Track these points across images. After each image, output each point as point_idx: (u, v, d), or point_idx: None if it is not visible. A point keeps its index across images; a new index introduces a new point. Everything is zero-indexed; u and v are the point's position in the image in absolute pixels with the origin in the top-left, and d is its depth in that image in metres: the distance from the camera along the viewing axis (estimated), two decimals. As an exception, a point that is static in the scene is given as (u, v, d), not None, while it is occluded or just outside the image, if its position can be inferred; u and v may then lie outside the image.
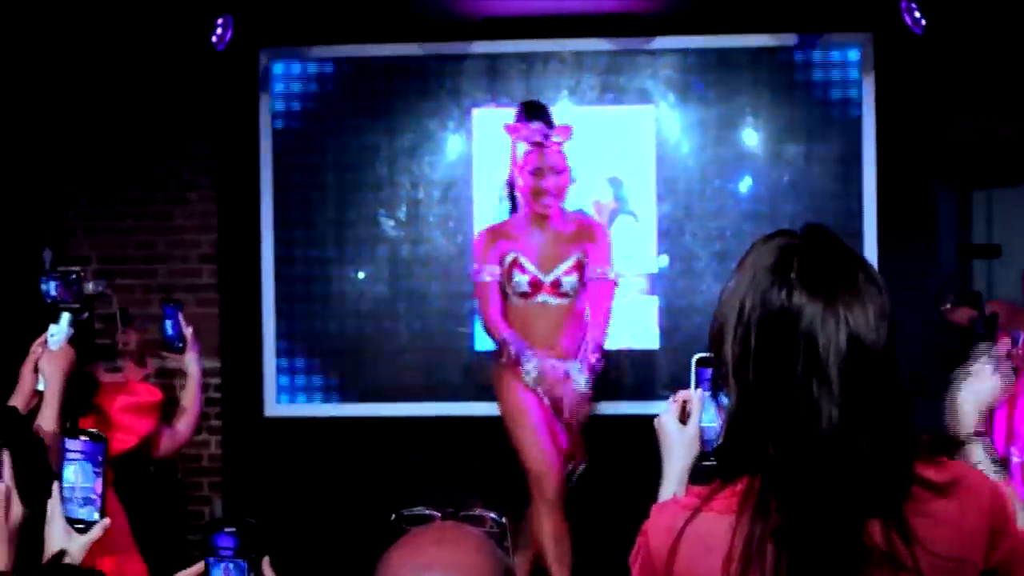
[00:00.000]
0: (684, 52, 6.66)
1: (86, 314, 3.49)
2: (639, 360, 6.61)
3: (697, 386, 2.22)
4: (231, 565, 1.99)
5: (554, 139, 5.25)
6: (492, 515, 1.92)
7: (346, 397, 6.80)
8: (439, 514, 1.88)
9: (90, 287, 3.52)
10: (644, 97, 6.68)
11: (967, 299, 6.10)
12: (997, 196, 7.35)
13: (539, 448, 5.22)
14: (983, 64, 6.63)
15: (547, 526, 5.18)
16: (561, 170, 5.26)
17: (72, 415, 3.47)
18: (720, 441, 1.94)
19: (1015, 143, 6.93)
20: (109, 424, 3.54)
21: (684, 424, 2.21)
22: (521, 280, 5.34)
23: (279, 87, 6.80)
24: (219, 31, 5.98)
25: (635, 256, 6.56)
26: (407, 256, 6.75)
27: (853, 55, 6.63)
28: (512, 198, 5.45)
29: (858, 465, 1.75)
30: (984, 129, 6.86)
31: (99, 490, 2.46)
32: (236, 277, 6.83)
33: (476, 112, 6.70)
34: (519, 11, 6.52)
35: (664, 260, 6.66)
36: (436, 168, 6.76)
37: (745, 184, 6.66)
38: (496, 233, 5.46)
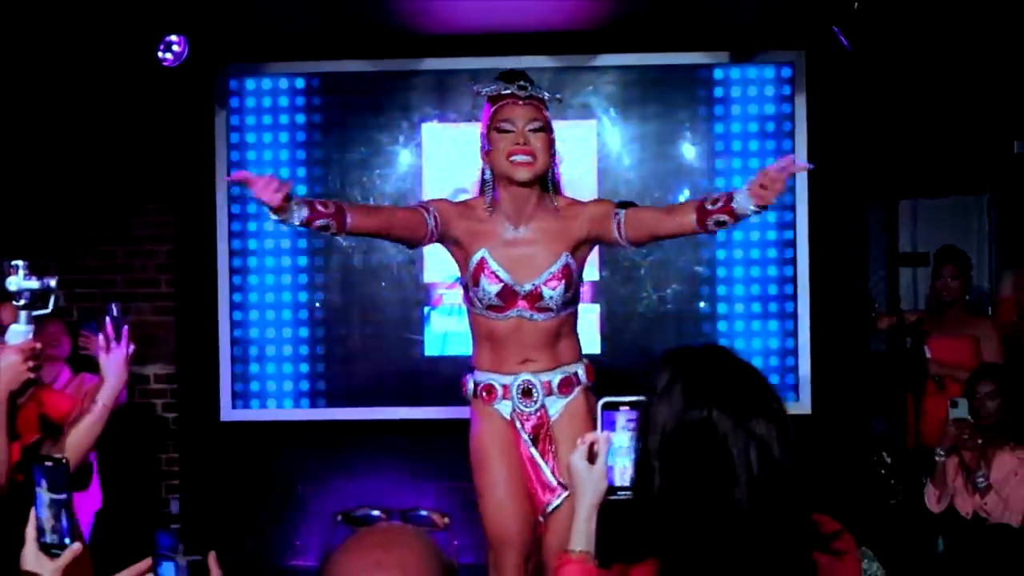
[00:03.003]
0: (625, 69, 6.85)
1: (48, 310, 3.30)
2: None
3: (603, 428, 2.36)
4: (176, 562, 1.97)
5: (532, 92, 4.11)
6: (436, 515, 2.03)
7: (299, 402, 6.92)
8: (383, 515, 1.95)
9: (25, 282, 3.26)
10: (586, 112, 6.87)
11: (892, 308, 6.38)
12: (922, 206, 7.60)
13: (506, 511, 4.12)
14: (909, 80, 6.89)
15: None
16: (541, 127, 4.08)
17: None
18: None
19: (938, 155, 7.21)
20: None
21: (592, 463, 2.35)
22: (490, 290, 4.09)
23: (234, 102, 6.94)
24: (176, 49, 6.07)
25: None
26: (359, 265, 6.90)
27: (786, 72, 6.85)
28: (483, 185, 4.18)
29: (764, 558, 1.99)
30: (910, 142, 7.12)
31: (68, 516, 2.41)
32: (192, 286, 6.94)
33: (425, 127, 6.87)
34: (466, 29, 6.65)
35: (606, 269, 6.85)
36: (387, 180, 6.92)
37: (683, 196, 6.82)
38: (454, 208, 4.19)
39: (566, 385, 4.18)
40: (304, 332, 6.94)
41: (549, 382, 4.16)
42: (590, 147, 6.81)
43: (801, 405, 6.63)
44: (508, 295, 4.10)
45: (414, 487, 6.54)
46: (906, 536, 5.68)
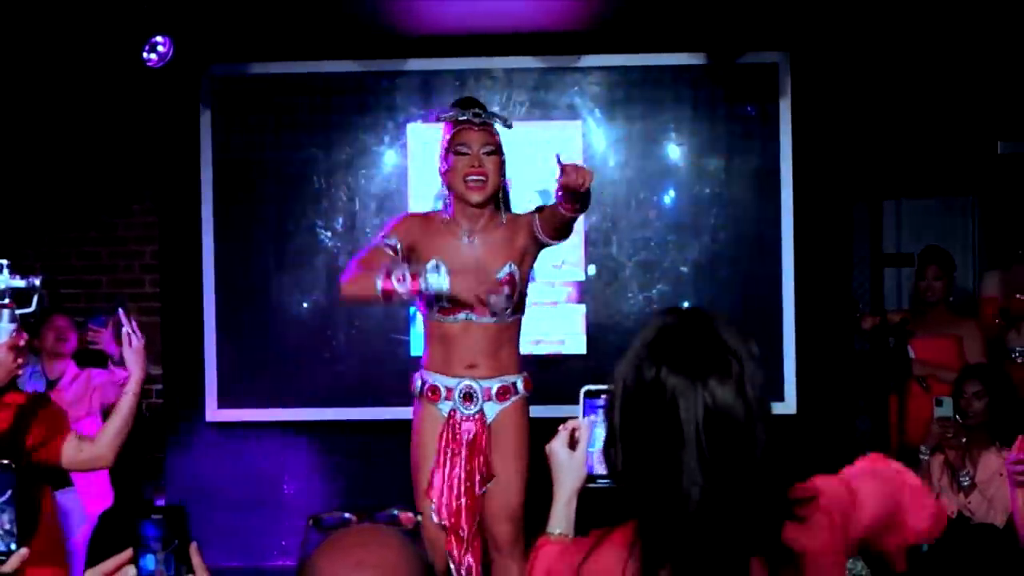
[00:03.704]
0: (610, 70, 6.87)
1: (31, 308, 3.40)
2: (567, 365, 6.76)
3: (585, 414, 2.38)
4: (158, 553, 1.95)
5: (486, 119, 4.54)
6: (409, 514, 1.99)
7: (285, 402, 6.92)
8: (354, 517, 1.92)
9: (7, 281, 3.37)
10: (572, 113, 6.89)
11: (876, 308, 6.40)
12: (906, 206, 7.63)
13: (434, 510, 4.48)
14: (893, 81, 6.92)
15: None
16: (493, 151, 4.51)
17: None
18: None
19: (923, 156, 7.24)
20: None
21: (573, 450, 2.36)
22: (431, 263, 4.44)
23: (220, 102, 6.94)
24: (160, 50, 6.07)
25: (564, 265, 6.80)
26: (344, 266, 6.87)
27: (771, 72, 6.87)
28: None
29: (722, 526, 1.95)
30: (894, 143, 7.15)
31: (12, 520, 2.41)
32: (177, 286, 6.95)
33: (411, 127, 6.88)
34: (452, 30, 6.67)
35: (591, 269, 6.87)
36: (372, 181, 6.94)
37: (669, 196, 6.89)
38: (419, 220, 4.68)
39: (504, 393, 4.54)
40: (289, 332, 6.94)
41: (489, 388, 4.52)
42: (575, 148, 6.82)
43: (786, 405, 6.65)
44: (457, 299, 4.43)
45: (398, 487, 6.55)
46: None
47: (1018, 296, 6.37)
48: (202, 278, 6.89)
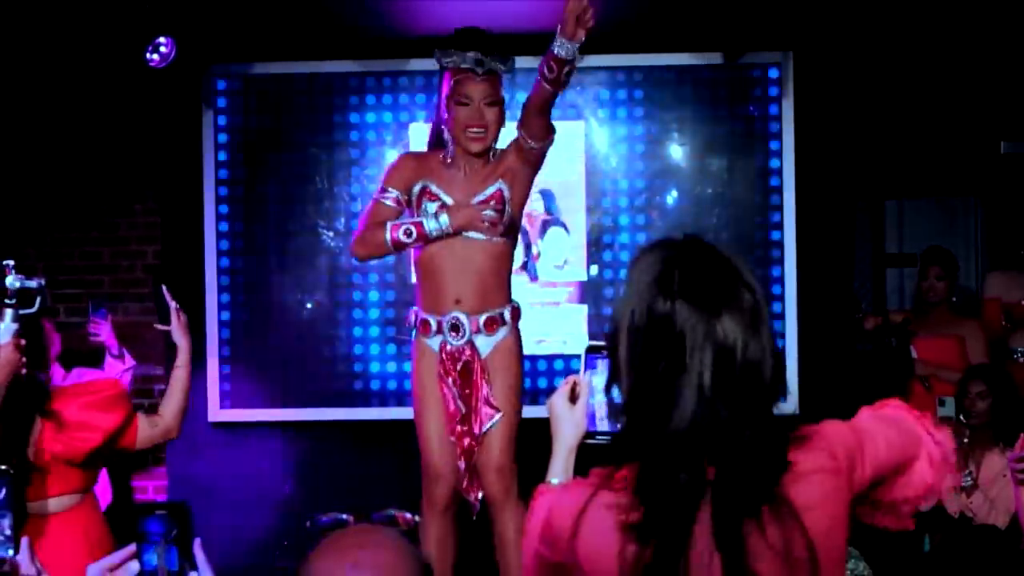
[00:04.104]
0: (612, 70, 6.87)
1: (33, 308, 3.47)
2: (569, 365, 6.69)
3: (586, 370, 2.39)
4: (162, 549, 2.00)
5: (489, 67, 4.65)
6: (407, 515, 2.02)
7: (287, 402, 6.92)
8: (351, 517, 1.95)
9: (12, 282, 3.44)
10: (574, 113, 6.86)
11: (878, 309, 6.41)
12: (909, 207, 7.63)
13: (438, 445, 4.68)
14: (896, 81, 6.91)
15: (432, 532, 4.66)
16: (494, 101, 4.64)
17: (20, 424, 3.54)
18: (610, 427, 2.15)
19: (926, 156, 7.24)
20: (66, 426, 3.58)
21: (573, 404, 2.36)
22: (430, 208, 4.63)
23: (222, 102, 6.95)
24: (163, 50, 6.07)
25: (566, 266, 6.80)
26: (346, 266, 6.90)
27: (773, 73, 6.86)
28: (438, 142, 4.83)
29: (730, 462, 1.91)
30: (897, 143, 7.15)
31: (7, 529, 2.44)
32: (180, 286, 6.92)
33: (413, 127, 6.88)
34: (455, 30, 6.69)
35: (593, 269, 6.87)
36: (374, 181, 6.86)
37: (671, 197, 6.90)
38: (413, 159, 4.91)
39: (491, 324, 4.68)
40: (292, 332, 6.94)
41: (476, 320, 4.64)
42: (578, 148, 6.82)
43: (788, 406, 6.62)
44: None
45: (403, 487, 6.54)
46: (892, 535, 5.69)
47: (1022, 302, 6.37)
48: (203, 279, 6.89)
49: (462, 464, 4.65)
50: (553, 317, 6.76)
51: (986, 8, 6.18)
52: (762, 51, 6.83)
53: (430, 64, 6.74)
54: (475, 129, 4.59)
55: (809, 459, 1.99)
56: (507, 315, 4.72)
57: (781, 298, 6.77)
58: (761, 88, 6.89)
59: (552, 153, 4.74)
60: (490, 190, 4.65)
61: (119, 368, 5.73)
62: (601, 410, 2.30)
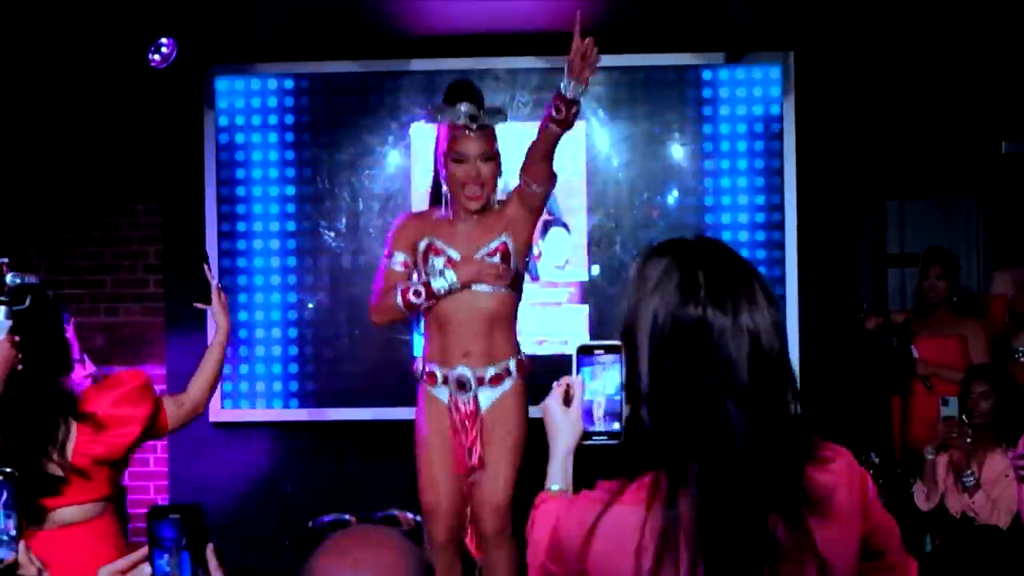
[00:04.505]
0: (614, 70, 6.82)
1: (24, 305, 3.46)
2: (570, 366, 6.71)
3: (578, 371, 2.32)
4: (175, 553, 1.96)
5: (482, 122, 4.67)
6: (409, 515, 2.00)
7: (288, 402, 6.93)
8: (353, 518, 1.95)
9: (13, 279, 3.45)
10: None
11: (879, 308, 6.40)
12: (910, 207, 7.62)
13: (436, 484, 4.76)
14: (898, 81, 6.91)
15: (436, 564, 4.67)
16: (490, 157, 4.70)
17: (50, 431, 3.52)
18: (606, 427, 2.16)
19: (927, 156, 7.23)
20: (103, 426, 3.56)
21: (568, 407, 2.30)
22: (437, 264, 4.71)
23: (223, 103, 6.94)
24: (164, 51, 6.07)
25: (567, 266, 6.80)
26: (347, 266, 6.92)
27: (774, 73, 6.85)
28: (438, 193, 4.87)
29: (762, 465, 1.87)
30: (898, 143, 7.15)
31: (12, 529, 2.42)
32: (181, 286, 6.94)
33: (414, 127, 6.88)
34: (454, 30, 6.67)
35: (595, 270, 6.87)
36: (375, 181, 6.94)
37: (672, 197, 6.89)
38: (415, 218, 4.98)
39: (497, 379, 4.74)
40: (293, 332, 6.95)
41: (482, 375, 4.71)
42: (579, 148, 6.81)
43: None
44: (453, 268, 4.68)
45: (403, 488, 6.54)
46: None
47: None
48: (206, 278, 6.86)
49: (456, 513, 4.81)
50: (554, 317, 6.76)
51: (986, 8, 6.18)
52: (764, 51, 6.83)
53: (432, 64, 6.84)
54: (472, 188, 4.66)
55: (836, 495, 1.96)
56: (513, 367, 4.79)
57: (783, 298, 6.76)
58: (763, 88, 6.88)
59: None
60: (494, 243, 4.71)
61: (81, 373, 5.72)
62: (598, 410, 2.27)
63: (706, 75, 6.91)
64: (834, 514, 1.93)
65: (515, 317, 4.87)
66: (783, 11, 6.39)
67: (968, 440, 5.47)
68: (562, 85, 4.40)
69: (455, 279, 4.65)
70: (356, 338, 6.91)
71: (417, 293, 4.68)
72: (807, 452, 1.95)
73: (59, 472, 3.54)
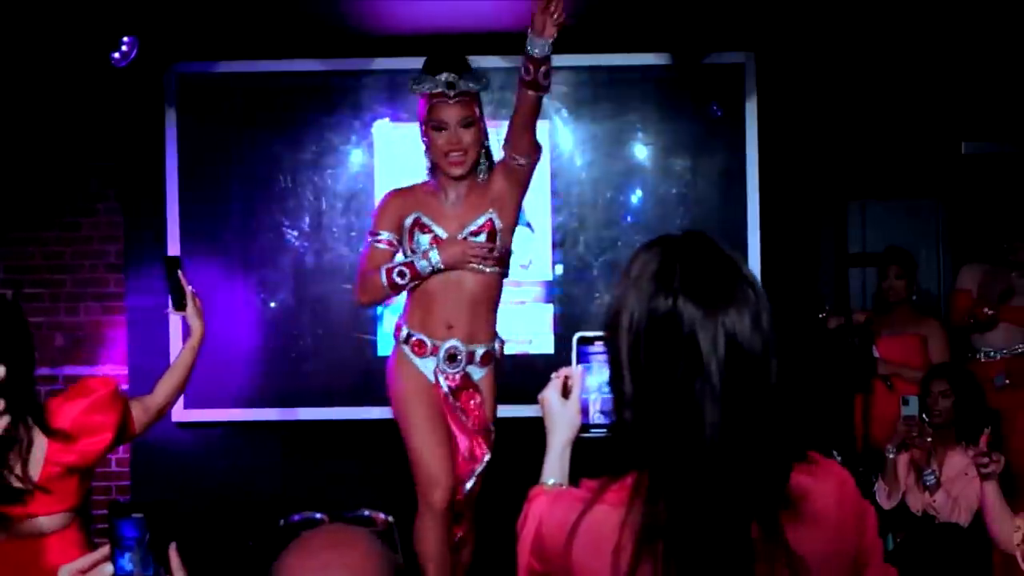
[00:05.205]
0: (576, 70, 6.86)
1: None
2: (535, 365, 6.65)
3: (579, 362, 2.32)
4: (137, 553, 1.93)
5: (461, 89, 4.60)
6: (381, 515, 1.93)
7: (252, 402, 6.90)
8: (325, 517, 1.89)
9: None
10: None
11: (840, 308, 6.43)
12: (871, 208, 7.66)
13: (432, 452, 4.64)
14: (858, 82, 6.96)
15: (432, 534, 4.62)
16: (471, 122, 4.63)
17: (10, 441, 3.40)
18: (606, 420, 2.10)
19: (888, 157, 7.27)
20: (71, 437, 3.48)
21: (566, 399, 2.28)
22: (423, 241, 4.64)
23: (185, 101, 6.90)
24: (124, 49, 6.04)
25: (531, 265, 6.81)
26: (311, 265, 6.90)
27: (736, 73, 6.88)
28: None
29: (739, 465, 1.80)
30: (859, 144, 7.19)
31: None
32: (142, 285, 6.91)
33: (376, 126, 6.88)
34: (418, 29, 6.64)
35: (559, 269, 6.89)
36: (338, 180, 6.92)
37: (635, 196, 6.92)
38: (400, 195, 4.82)
39: (486, 358, 4.76)
40: (256, 332, 6.92)
41: (473, 352, 4.70)
42: (543, 148, 6.78)
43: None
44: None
45: (366, 487, 6.53)
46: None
47: (985, 309, 6.39)
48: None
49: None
50: (519, 317, 6.76)
51: (947, 10, 6.22)
52: (725, 51, 6.85)
53: (394, 63, 6.82)
54: (454, 153, 4.59)
55: (822, 504, 1.92)
56: (498, 350, 4.82)
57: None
58: (724, 88, 6.90)
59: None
60: (481, 220, 4.66)
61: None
62: (596, 404, 2.25)
63: (669, 75, 6.92)
64: (811, 517, 1.88)
65: (498, 298, 4.86)
66: (745, 11, 6.41)
67: (929, 439, 5.50)
68: (527, 44, 4.37)
69: (438, 260, 4.59)
70: (319, 337, 6.89)
71: (402, 274, 4.61)
72: (785, 454, 1.88)
73: (20, 484, 3.47)
